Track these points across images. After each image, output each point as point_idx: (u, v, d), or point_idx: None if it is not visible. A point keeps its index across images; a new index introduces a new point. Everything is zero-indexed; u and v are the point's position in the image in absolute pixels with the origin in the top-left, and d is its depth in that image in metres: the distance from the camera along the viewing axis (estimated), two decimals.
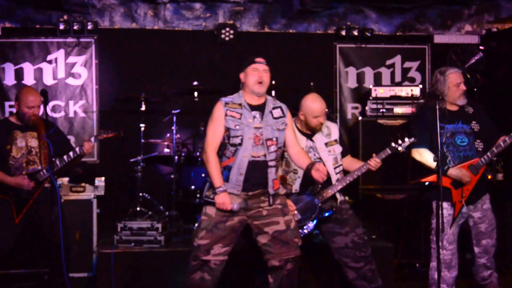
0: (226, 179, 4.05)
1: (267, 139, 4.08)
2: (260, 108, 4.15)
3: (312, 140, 4.60)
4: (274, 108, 4.20)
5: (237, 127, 4.05)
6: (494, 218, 4.58)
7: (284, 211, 4.15)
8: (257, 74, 4.12)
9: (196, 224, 5.48)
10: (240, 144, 4.04)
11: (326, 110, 4.69)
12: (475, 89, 6.24)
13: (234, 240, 4.14)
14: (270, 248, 4.10)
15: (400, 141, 4.43)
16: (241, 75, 4.19)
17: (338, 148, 4.63)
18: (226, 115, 4.07)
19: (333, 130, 4.69)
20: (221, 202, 3.98)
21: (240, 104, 4.12)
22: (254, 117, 4.10)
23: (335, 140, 4.64)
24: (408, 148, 4.51)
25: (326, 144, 4.60)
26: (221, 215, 4.05)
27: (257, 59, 4.18)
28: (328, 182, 4.49)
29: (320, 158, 4.55)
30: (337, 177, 4.58)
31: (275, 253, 4.08)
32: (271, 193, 4.12)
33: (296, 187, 4.55)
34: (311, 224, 4.50)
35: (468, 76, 6.21)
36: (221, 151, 4.10)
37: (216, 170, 4.04)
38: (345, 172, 4.67)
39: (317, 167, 4.06)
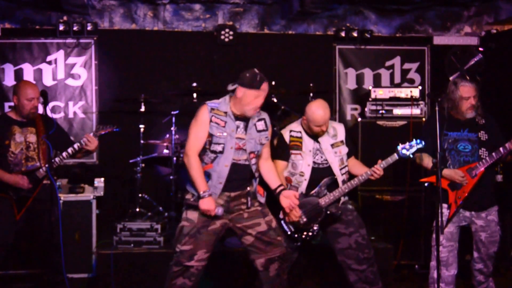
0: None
1: (250, 152, 4.08)
2: (245, 119, 4.08)
3: (318, 142, 4.58)
4: (258, 120, 4.15)
5: (220, 135, 4.00)
6: (498, 231, 4.58)
7: (264, 212, 4.15)
8: (257, 103, 4.00)
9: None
10: (221, 152, 4.01)
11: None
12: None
13: (215, 244, 4.13)
14: (255, 248, 4.11)
15: (407, 146, 4.42)
16: (239, 90, 3.98)
17: (344, 149, 4.61)
18: (211, 120, 4.01)
19: (340, 130, 4.66)
20: (206, 207, 3.94)
21: (225, 112, 4.05)
22: (238, 127, 4.06)
23: (341, 141, 4.62)
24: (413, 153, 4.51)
25: (332, 146, 4.58)
26: (204, 220, 4.02)
27: (263, 87, 3.98)
28: (334, 184, 4.50)
29: (326, 160, 4.54)
30: (343, 178, 4.57)
31: (260, 252, 4.10)
32: (261, 201, 4.15)
33: (302, 189, 4.54)
34: (316, 227, 4.50)
35: (468, 77, 6.21)
36: (199, 156, 4.05)
37: (200, 174, 3.99)
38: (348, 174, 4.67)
39: (286, 194, 4.10)
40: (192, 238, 4.03)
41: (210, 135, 4.01)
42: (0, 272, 5.46)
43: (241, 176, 4.06)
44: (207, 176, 4.03)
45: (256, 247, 4.10)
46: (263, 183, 4.30)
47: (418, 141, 4.44)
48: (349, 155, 4.66)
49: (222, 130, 4.01)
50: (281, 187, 4.20)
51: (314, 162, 4.54)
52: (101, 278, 5.22)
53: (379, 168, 4.43)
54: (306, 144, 4.56)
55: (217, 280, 5.18)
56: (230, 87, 4.05)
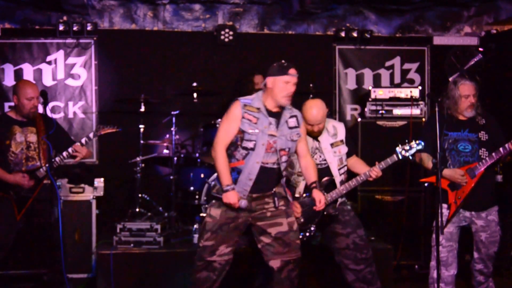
0: (234, 181, 4.02)
1: (281, 149, 4.05)
2: (277, 115, 4.08)
3: (318, 141, 4.57)
4: (290, 117, 4.14)
5: (252, 131, 3.99)
6: (498, 231, 4.58)
7: (287, 212, 4.15)
8: (288, 89, 4.01)
9: (195, 225, 5.51)
10: (252, 149, 3.99)
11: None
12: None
13: (238, 239, 4.16)
14: (272, 248, 4.10)
15: (407, 147, 4.42)
16: (269, 80, 4.03)
17: (343, 149, 4.60)
18: (243, 117, 4.00)
19: (340, 130, 4.64)
20: (229, 201, 3.97)
21: (258, 108, 4.04)
22: (270, 123, 4.04)
23: (341, 141, 4.60)
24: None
25: (332, 145, 4.56)
26: (226, 217, 4.05)
27: (291, 71, 4.02)
28: (332, 185, 4.49)
29: (325, 160, 4.53)
30: (341, 178, 4.56)
31: (277, 253, 4.09)
32: (290, 200, 4.16)
33: (300, 189, 4.54)
34: (313, 228, 4.50)
35: (467, 77, 6.21)
36: (230, 151, 4.05)
37: (225, 168, 4.00)
38: (349, 173, 4.65)
39: (318, 197, 4.08)
40: (214, 234, 4.05)
41: (242, 132, 4.00)
42: (0, 272, 5.45)
43: (267, 179, 4.06)
44: (237, 172, 4.03)
45: (274, 247, 4.09)
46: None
47: (418, 142, 4.44)
48: (349, 154, 4.65)
49: (254, 127, 4.00)
50: (314, 184, 4.16)
51: None
52: (100, 278, 5.22)
53: (376, 170, 4.43)
54: None
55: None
56: (263, 84, 4.10)
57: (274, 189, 4.11)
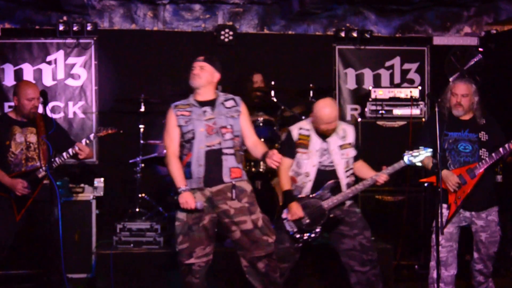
0: (189, 175, 4.06)
1: (221, 127, 4.10)
2: (211, 103, 4.19)
3: (326, 142, 4.54)
4: (226, 100, 4.24)
5: (187, 122, 4.10)
6: (498, 231, 4.58)
7: (250, 210, 4.11)
8: (192, 72, 4.25)
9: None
10: (193, 138, 4.07)
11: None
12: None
13: (213, 239, 4.15)
14: (240, 246, 4.12)
15: (415, 153, 4.40)
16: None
17: (351, 152, 4.57)
18: (176, 115, 4.16)
19: (349, 133, 4.61)
20: (184, 201, 3.99)
21: (188, 104, 4.20)
22: (205, 111, 4.14)
23: (349, 144, 4.57)
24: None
25: (341, 147, 4.54)
26: (192, 217, 4.05)
27: (197, 59, 4.32)
28: (338, 188, 4.49)
29: (332, 162, 4.51)
30: (347, 181, 4.53)
31: (245, 251, 4.10)
32: (226, 181, 4.07)
33: (307, 190, 4.52)
34: (318, 229, 4.49)
35: (466, 78, 6.21)
36: (180, 152, 4.14)
37: (177, 171, 4.08)
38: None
39: (270, 154, 4.01)
40: (186, 236, 4.05)
41: (180, 127, 4.12)
42: (0, 272, 5.45)
43: (217, 163, 4.07)
44: (188, 165, 4.07)
45: (241, 244, 4.10)
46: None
47: (426, 149, 4.41)
48: (356, 158, 4.63)
49: (188, 118, 4.12)
50: (266, 152, 4.08)
51: (320, 163, 4.51)
52: (100, 278, 5.22)
53: (384, 175, 4.43)
54: (313, 144, 4.51)
55: (217, 280, 5.17)
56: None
57: (233, 182, 4.08)
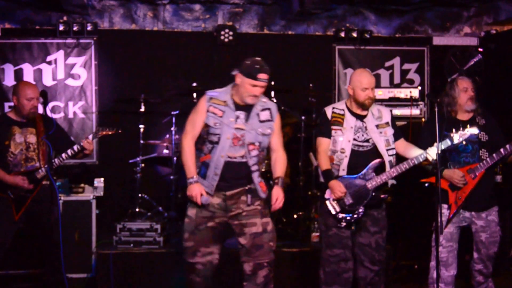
0: (203, 176, 3.99)
1: (250, 143, 3.98)
2: (247, 108, 4.01)
3: (363, 122, 4.50)
4: (262, 110, 4.06)
5: (216, 125, 3.95)
6: (498, 231, 4.58)
7: (262, 213, 4.06)
8: (254, 91, 3.94)
9: None
10: (216, 143, 3.94)
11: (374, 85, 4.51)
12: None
13: (219, 240, 4.10)
14: (245, 249, 4.04)
15: (461, 133, 4.34)
16: (238, 76, 3.98)
17: (389, 131, 4.52)
18: (208, 110, 3.98)
19: (384, 113, 4.58)
20: (190, 193, 3.93)
21: (225, 101, 4.01)
22: (238, 117, 3.98)
23: (386, 123, 4.54)
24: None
25: (377, 126, 4.50)
26: (201, 216, 4.00)
27: (260, 76, 3.92)
28: (382, 167, 4.42)
29: (368, 140, 4.45)
30: (390, 159, 4.46)
31: (249, 256, 4.03)
32: (262, 196, 4.05)
33: (344, 166, 4.44)
34: (361, 209, 4.42)
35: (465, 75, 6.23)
36: (199, 145, 4.03)
37: (190, 160, 3.97)
38: (400, 158, 4.55)
39: (274, 198, 3.98)
40: (192, 235, 4.01)
41: (206, 125, 3.98)
42: (0, 272, 5.46)
43: (235, 174, 3.98)
44: (205, 166, 3.98)
45: (247, 248, 4.03)
46: (266, 179, 4.25)
47: (471, 129, 4.37)
48: (396, 137, 4.56)
49: (219, 120, 3.95)
50: (276, 180, 4.08)
51: (355, 140, 4.44)
52: (100, 278, 5.22)
53: (432, 156, 4.33)
54: (348, 121, 4.46)
55: (216, 280, 5.17)
56: (233, 73, 4.03)
57: (248, 186, 4.03)
